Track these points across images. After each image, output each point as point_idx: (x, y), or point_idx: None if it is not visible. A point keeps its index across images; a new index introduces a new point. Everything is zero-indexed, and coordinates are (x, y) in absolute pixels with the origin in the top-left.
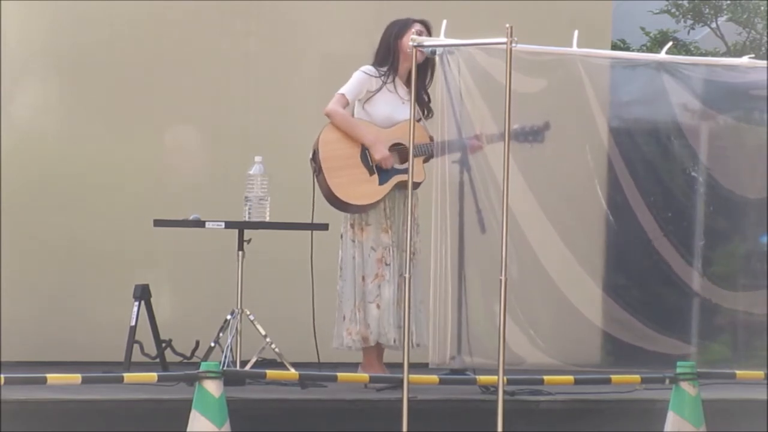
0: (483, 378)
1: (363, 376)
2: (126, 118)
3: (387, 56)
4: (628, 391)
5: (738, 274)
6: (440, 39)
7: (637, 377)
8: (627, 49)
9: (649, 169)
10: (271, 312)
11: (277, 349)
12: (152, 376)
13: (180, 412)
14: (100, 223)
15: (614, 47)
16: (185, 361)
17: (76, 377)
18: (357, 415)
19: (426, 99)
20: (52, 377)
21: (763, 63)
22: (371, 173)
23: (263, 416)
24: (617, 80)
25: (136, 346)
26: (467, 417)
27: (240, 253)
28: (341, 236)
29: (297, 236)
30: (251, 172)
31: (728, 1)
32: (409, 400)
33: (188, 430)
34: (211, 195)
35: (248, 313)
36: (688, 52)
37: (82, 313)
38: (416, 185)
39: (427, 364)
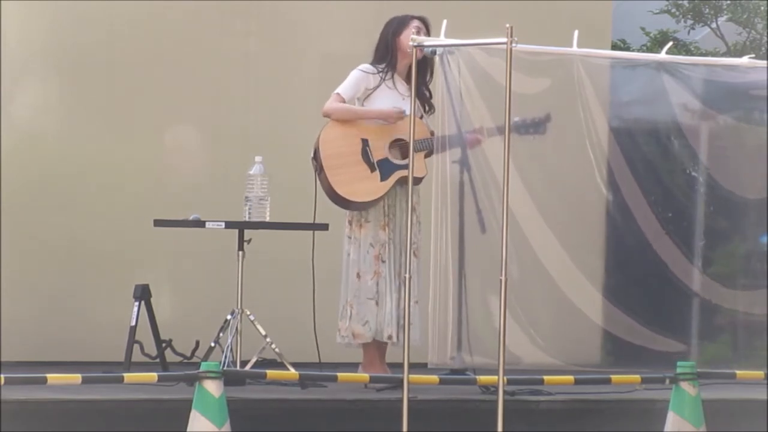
0: (483, 378)
1: (363, 376)
2: (126, 118)
3: (386, 53)
4: (628, 391)
5: (738, 274)
6: (440, 39)
7: (637, 377)
8: (627, 49)
9: (650, 169)
10: (271, 312)
11: (277, 349)
12: (152, 376)
13: (180, 412)
14: (100, 223)
15: (614, 47)
16: (185, 361)
17: (76, 377)
18: (357, 415)
19: (427, 95)
20: (52, 377)
21: (763, 63)
22: (372, 170)
23: (263, 416)
24: (617, 80)
25: (136, 346)
26: (467, 417)
27: (240, 253)
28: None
29: (297, 236)
30: (251, 172)
31: (728, 1)
32: (409, 400)
33: (188, 430)
34: (211, 195)
35: (248, 313)
36: (688, 52)
37: (82, 313)
38: (418, 180)
39: (426, 364)
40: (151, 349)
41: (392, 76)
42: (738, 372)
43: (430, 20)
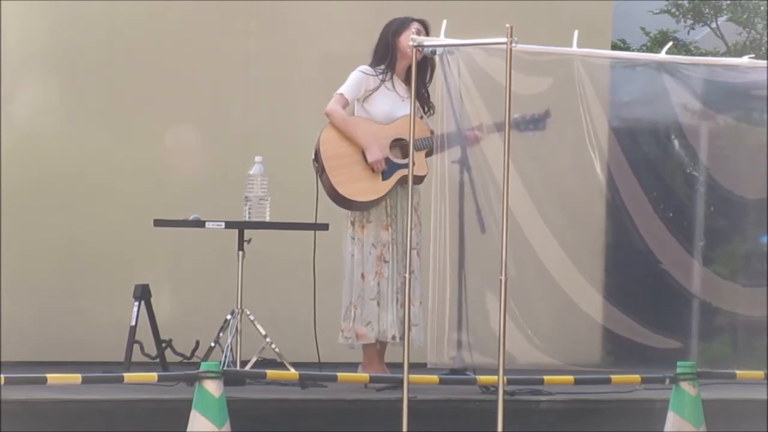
0: (483, 378)
1: (363, 376)
2: (125, 118)
3: (385, 54)
4: (628, 391)
5: (738, 274)
6: (440, 39)
7: (637, 377)
8: (627, 49)
9: (650, 169)
10: (271, 312)
11: (277, 349)
12: (152, 376)
13: (180, 412)
14: (100, 223)
15: (614, 47)
16: (185, 361)
17: (76, 377)
18: (357, 415)
19: (426, 96)
20: (52, 377)
21: (763, 63)
22: (374, 169)
23: (263, 416)
24: (617, 80)
25: (136, 346)
26: (467, 417)
27: (240, 253)
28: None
29: (297, 236)
30: (251, 172)
31: (728, 1)
32: (409, 400)
33: (188, 430)
34: (211, 195)
35: (248, 313)
36: (688, 52)
37: (82, 313)
38: (420, 179)
39: (426, 364)
40: (151, 349)
41: (391, 78)
42: (738, 372)
43: (430, 20)
